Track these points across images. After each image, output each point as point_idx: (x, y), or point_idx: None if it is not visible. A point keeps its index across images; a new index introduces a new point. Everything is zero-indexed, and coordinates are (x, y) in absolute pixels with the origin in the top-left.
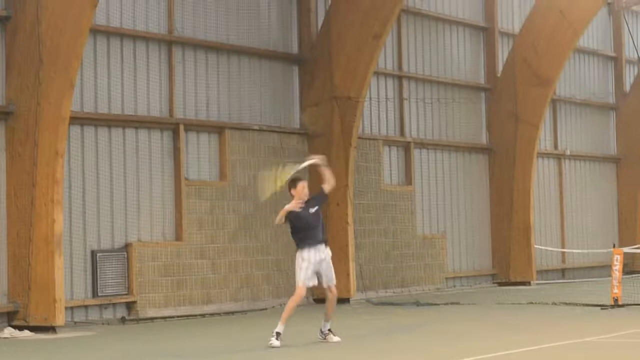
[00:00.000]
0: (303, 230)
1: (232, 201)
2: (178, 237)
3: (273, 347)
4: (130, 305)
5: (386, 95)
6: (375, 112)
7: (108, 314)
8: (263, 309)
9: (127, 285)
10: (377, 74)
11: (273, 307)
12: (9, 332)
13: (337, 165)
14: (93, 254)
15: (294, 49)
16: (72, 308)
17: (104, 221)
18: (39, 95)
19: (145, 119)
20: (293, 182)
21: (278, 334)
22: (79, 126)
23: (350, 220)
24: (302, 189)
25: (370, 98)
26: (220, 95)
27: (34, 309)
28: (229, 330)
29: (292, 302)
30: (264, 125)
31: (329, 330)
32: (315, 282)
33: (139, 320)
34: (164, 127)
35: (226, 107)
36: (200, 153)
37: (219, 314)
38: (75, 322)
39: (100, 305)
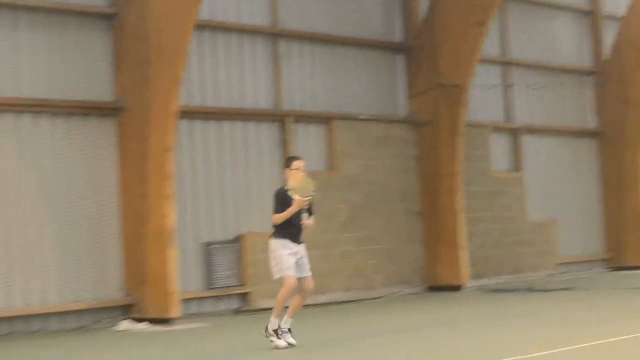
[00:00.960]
0: (290, 226)
1: (341, 191)
2: None
3: (277, 347)
4: (243, 297)
5: (492, 81)
6: (482, 99)
7: (222, 306)
8: (376, 298)
9: (240, 277)
10: (482, 60)
11: (386, 296)
12: (126, 324)
13: (444, 153)
14: (206, 246)
15: (399, 37)
16: (186, 300)
17: (215, 213)
18: (148, 92)
19: (253, 112)
20: (289, 160)
21: (275, 331)
22: (187, 120)
23: (459, 207)
24: (297, 169)
25: (476, 85)
26: (326, 86)
27: (150, 302)
28: (342, 319)
29: (282, 296)
30: (371, 115)
31: (289, 329)
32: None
33: (252, 311)
34: (272, 119)
35: (332, 97)
36: (308, 144)
37: (332, 303)
38: (190, 314)
39: (214, 297)
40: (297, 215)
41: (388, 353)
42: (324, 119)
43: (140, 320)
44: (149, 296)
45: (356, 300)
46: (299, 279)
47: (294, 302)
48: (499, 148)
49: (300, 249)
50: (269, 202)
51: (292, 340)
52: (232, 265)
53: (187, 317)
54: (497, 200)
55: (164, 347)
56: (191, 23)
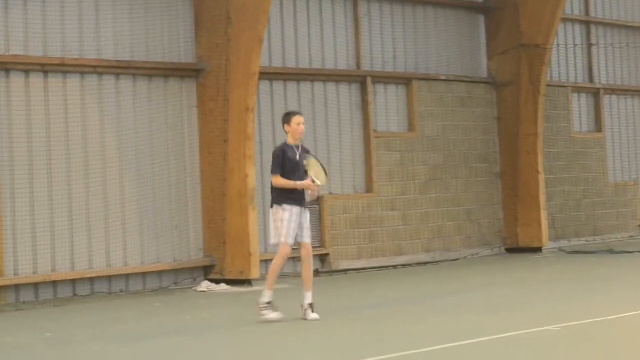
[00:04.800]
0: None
1: (421, 152)
2: (369, 189)
3: (270, 320)
4: (323, 258)
5: (574, 41)
6: (564, 59)
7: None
8: (455, 260)
9: (320, 238)
10: (564, 20)
11: (465, 257)
12: (206, 285)
13: (526, 113)
14: None
15: None
16: (266, 261)
17: None
18: (229, 52)
19: (333, 73)
20: (287, 117)
21: (269, 303)
22: (268, 81)
23: (540, 169)
24: (298, 126)
25: (558, 45)
26: (406, 47)
27: (230, 262)
28: (420, 281)
29: (276, 264)
30: (451, 76)
31: (310, 304)
32: (295, 240)
33: (332, 272)
34: (352, 80)
35: (413, 58)
36: (388, 105)
37: (411, 265)
38: None
39: (294, 259)
40: (300, 178)
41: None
42: (404, 80)
43: (220, 281)
44: (230, 257)
45: (435, 262)
46: (298, 244)
47: (303, 275)
48: (580, 109)
49: (304, 212)
50: (349, 164)
51: (314, 316)
52: (311, 226)
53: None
54: (578, 161)
55: (244, 307)
56: None
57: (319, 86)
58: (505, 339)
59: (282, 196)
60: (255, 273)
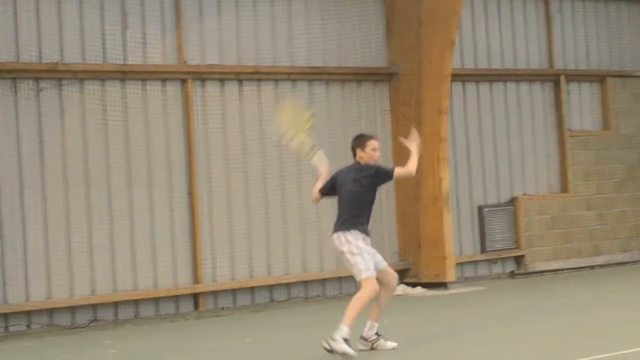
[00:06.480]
0: (361, 213)
1: (617, 151)
2: (563, 189)
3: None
4: (518, 260)
5: None
6: None
7: (497, 269)
8: None
9: (514, 240)
10: None
11: None
12: (402, 289)
13: None
14: (480, 209)
15: None
16: (461, 264)
17: (489, 176)
18: (421, 55)
19: (526, 72)
20: (361, 140)
21: (346, 340)
22: (461, 83)
23: None
24: (374, 152)
25: None
26: (599, 43)
27: (425, 266)
28: (622, 281)
29: (364, 300)
30: None
31: (377, 333)
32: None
33: (527, 274)
34: (545, 79)
35: (606, 54)
36: (582, 103)
37: (608, 265)
38: (465, 278)
39: (489, 260)
40: (366, 198)
41: None
42: (598, 77)
43: (415, 284)
44: (425, 260)
45: (634, 262)
46: (379, 272)
47: (380, 300)
48: None
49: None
50: (543, 164)
51: (391, 344)
52: (506, 228)
53: (462, 280)
54: None
55: (441, 310)
56: None
57: (511, 86)
58: None
59: (355, 218)
60: (450, 276)
